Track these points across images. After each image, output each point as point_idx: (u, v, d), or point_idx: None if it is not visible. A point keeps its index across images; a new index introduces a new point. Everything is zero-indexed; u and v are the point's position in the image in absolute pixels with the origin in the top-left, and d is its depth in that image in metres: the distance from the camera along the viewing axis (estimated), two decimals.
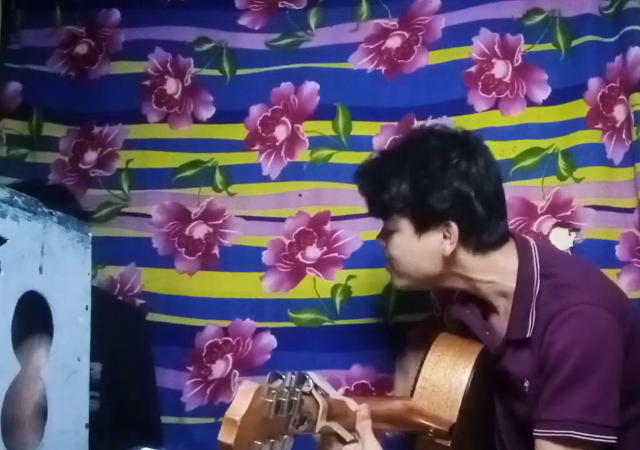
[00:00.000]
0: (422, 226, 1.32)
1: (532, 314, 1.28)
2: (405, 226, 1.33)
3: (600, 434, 1.18)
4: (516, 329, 1.31)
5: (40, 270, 1.02)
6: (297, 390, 0.91)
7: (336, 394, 1.09)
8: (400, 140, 1.44)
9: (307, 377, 0.96)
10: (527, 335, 1.28)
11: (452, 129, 1.39)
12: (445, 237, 1.31)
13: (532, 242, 1.37)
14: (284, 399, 0.89)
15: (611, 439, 1.19)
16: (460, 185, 1.30)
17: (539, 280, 1.29)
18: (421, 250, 1.33)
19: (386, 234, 1.38)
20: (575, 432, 1.18)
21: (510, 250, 1.34)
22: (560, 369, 1.21)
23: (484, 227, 1.31)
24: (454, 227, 1.30)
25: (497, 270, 1.33)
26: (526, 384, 1.29)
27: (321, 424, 0.99)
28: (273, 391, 0.88)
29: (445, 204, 1.29)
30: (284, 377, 0.91)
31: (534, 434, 1.22)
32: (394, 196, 1.32)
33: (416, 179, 1.31)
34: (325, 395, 1.01)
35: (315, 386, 0.98)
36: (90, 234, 1.13)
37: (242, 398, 0.85)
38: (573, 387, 1.20)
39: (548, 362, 1.23)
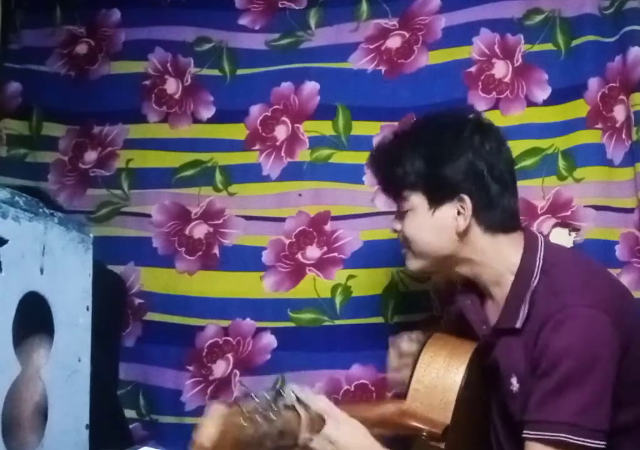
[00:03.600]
0: (435, 200, 1.32)
1: (525, 306, 1.27)
2: (418, 203, 1.34)
3: (591, 438, 1.17)
4: (506, 319, 1.30)
5: (41, 271, 1.02)
6: (274, 407, 0.91)
7: (319, 405, 1.07)
8: (413, 122, 1.47)
9: (283, 393, 0.96)
10: (517, 326, 1.28)
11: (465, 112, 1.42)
12: (459, 213, 1.31)
13: (540, 238, 1.36)
14: (258, 419, 0.89)
15: (601, 444, 1.18)
16: (474, 158, 1.31)
17: (538, 275, 1.29)
18: (435, 226, 1.33)
19: (401, 216, 1.38)
20: (566, 435, 1.17)
21: (517, 241, 1.34)
22: (554, 371, 1.20)
23: (496, 203, 1.32)
24: (468, 201, 1.30)
25: (501, 258, 1.33)
26: (513, 380, 1.29)
27: (304, 436, 0.99)
28: (247, 412, 0.88)
29: (459, 175, 1.30)
30: (255, 397, 0.91)
31: (524, 435, 1.21)
32: (408, 171, 1.33)
33: (429, 152, 1.33)
34: (307, 407, 1.01)
35: (298, 399, 0.98)
36: (91, 235, 1.14)
37: (210, 423, 0.85)
38: (567, 389, 1.19)
39: (542, 363, 1.22)
